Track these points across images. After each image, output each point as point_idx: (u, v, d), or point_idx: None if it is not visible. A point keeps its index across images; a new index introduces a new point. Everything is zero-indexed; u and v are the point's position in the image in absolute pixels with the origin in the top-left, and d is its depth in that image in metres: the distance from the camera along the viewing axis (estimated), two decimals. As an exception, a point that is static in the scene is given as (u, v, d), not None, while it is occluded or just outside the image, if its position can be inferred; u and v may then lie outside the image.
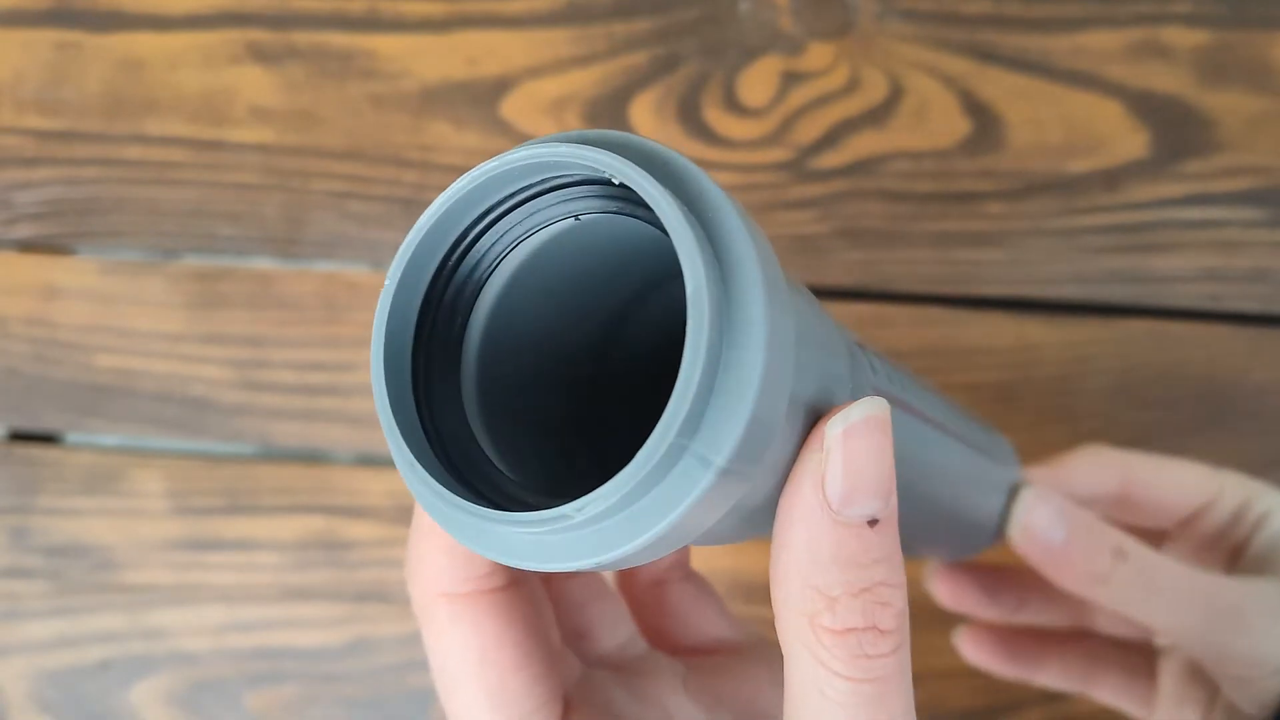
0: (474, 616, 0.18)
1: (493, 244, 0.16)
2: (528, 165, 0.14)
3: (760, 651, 0.25)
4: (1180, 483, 0.30)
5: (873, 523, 0.15)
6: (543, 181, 0.15)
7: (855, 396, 0.17)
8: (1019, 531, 0.27)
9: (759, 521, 0.16)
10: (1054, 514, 0.26)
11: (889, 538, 0.16)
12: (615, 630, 0.23)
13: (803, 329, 0.15)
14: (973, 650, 0.34)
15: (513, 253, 0.16)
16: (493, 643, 0.18)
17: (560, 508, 0.13)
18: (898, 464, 0.16)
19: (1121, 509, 0.31)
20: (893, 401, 0.18)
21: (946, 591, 0.34)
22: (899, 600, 0.16)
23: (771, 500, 0.16)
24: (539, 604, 0.20)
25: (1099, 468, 0.30)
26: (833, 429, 0.15)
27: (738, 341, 0.13)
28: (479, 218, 0.16)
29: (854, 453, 0.15)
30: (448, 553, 0.18)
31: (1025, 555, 0.27)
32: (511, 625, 0.18)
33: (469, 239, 0.16)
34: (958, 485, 0.25)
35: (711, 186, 0.14)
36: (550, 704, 0.19)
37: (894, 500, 0.16)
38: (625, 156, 0.14)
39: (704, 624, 0.24)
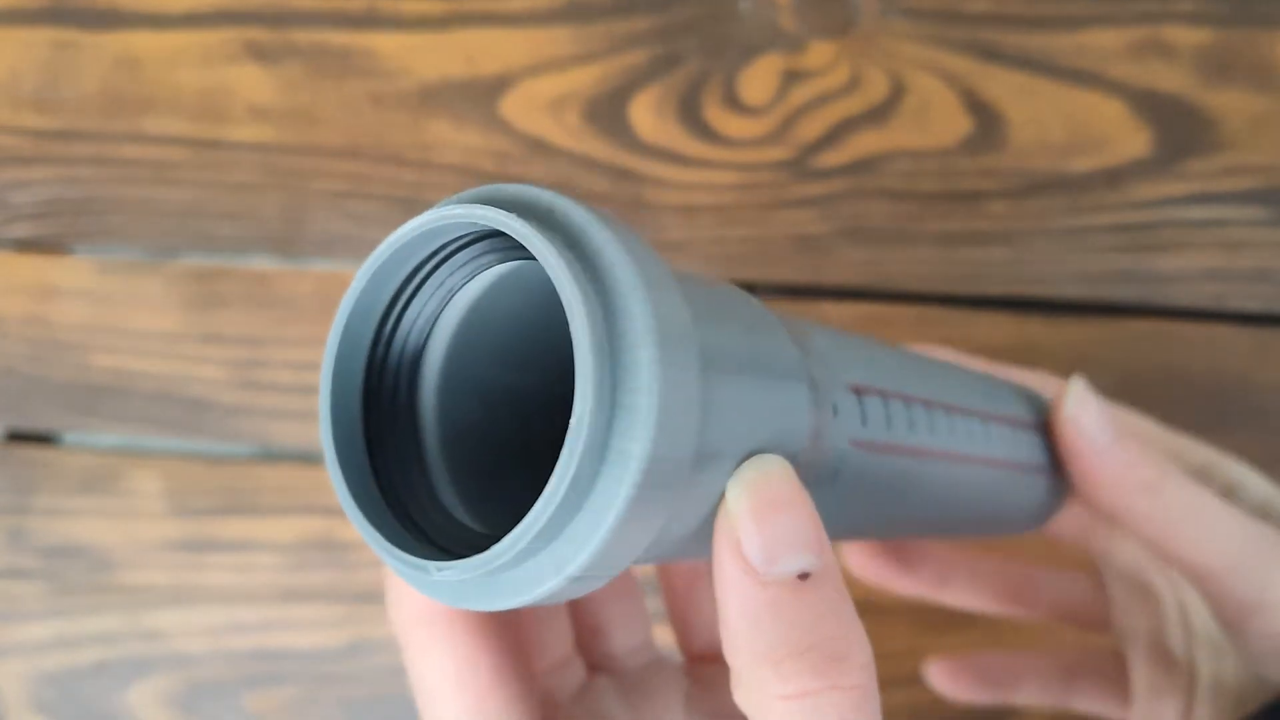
0: (449, 639, 0.19)
1: (423, 306, 0.16)
2: (426, 232, 0.15)
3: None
4: (1131, 428, 0.29)
5: (805, 576, 0.15)
6: (453, 241, 0.16)
7: (818, 442, 0.16)
8: (1069, 424, 0.25)
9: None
10: (1104, 412, 0.25)
11: (828, 587, 0.15)
12: (630, 632, 0.23)
13: (724, 387, 0.15)
14: (945, 682, 0.33)
15: (446, 312, 0.17)
16: (468, 664, 0.18)
17: (424, 562, 0.14)
18: (893, 502, 0.18)
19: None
20: (879, 449, 0.18)
21: (857, 561, 0.32)
22: (857, 651, 0.15)
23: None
24: (519, 626, 0.20)
25: (1042, 388, 0.29)
26: (731, 493, 0.15)
27: (620, 430, 0.13)
28: (403, 284, 0.16)
29: (761, 511, 0.15)
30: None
31: (1070, 450, 0.25)
32: (487, 647, 0.19)
33: (398, 305, 0.16)
34: (980, 504, 0.24)
35: (608, 240, 0.14)
36: None
37: (827, 551, 0.15)
38: (516, 210, 0.14)
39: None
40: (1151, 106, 0.38)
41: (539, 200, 0.15)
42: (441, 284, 0.16)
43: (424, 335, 0.17)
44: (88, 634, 0.42)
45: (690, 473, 0.14)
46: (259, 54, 0.41)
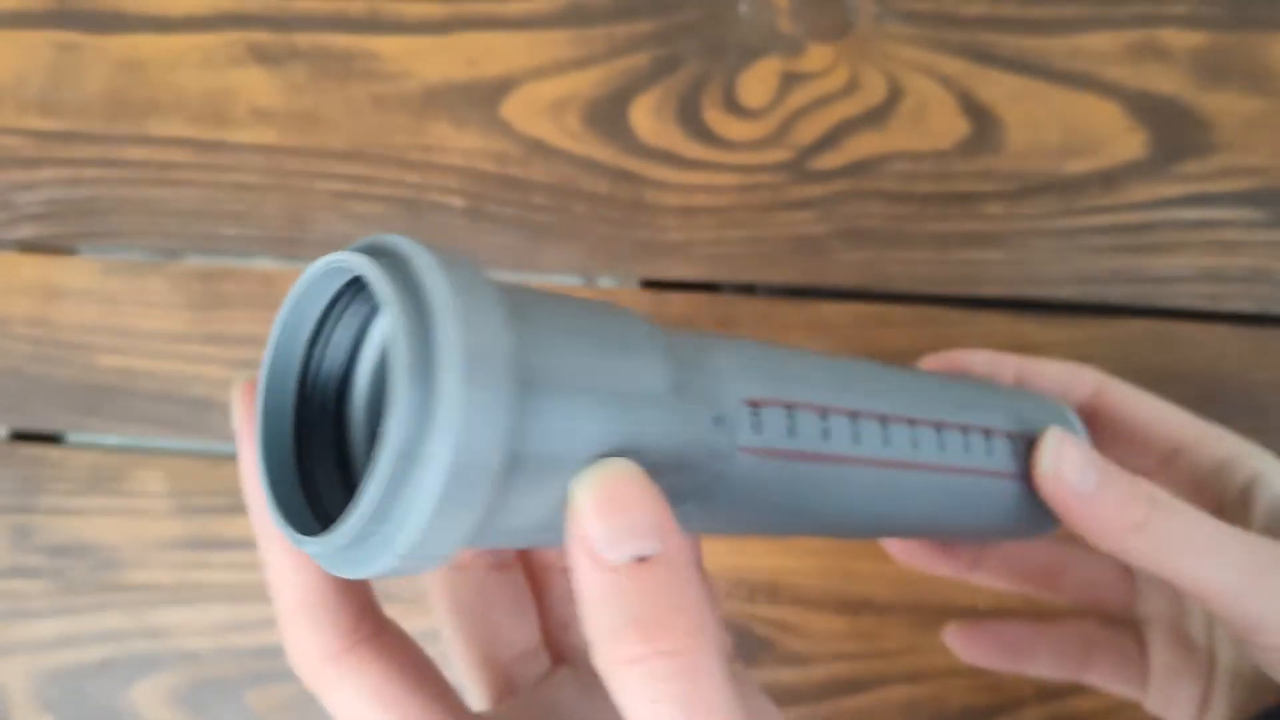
0: (357, 667, 0.20)
1: (340, 335, 0.19)
2: (313, 276, 0.18)
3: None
4: (1158, 415, 0.29)
5: (644, 560, 0.17)
6: (351, 282, 0.18)
7: (688, 448, 0.19)
8: (1048, 477, 0.25)
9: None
10: (1084, 458, 0.25)
11: (663, 569, 0.17)
12: (526, 633, 0.25)
13: (549, 403, 0.17)
14: (963, 646, 0.34)
15: (363, 346, 0.19)
16: (383, 683, 0.20)
17: (299, 536, 0.17)
18: (814, 502, 0.21)
19: (1092, 429, 0.30)
20: (780, 456, 0.20)
21: (897, 548, 0.34)
22: (682, 621, 0.17)
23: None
24: (487, 621, 0.23)
25: (1073, 376, 0.29)
26: (575, 489, 0.17)
27: (431, 438, 0.16)
28: (322, 316, 0.19)
29: (599, 504, 0.17)
30: (310, 620, 0.20)
31: (1053, 501, 0.25)
32: (395, 664, 0.20)
33: (321, 334, 0.19)
34: (944, 510, 0.25)
35: (438, 280, 0.16)
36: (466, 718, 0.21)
37: (671, 538, 0.17)
38: (385, 255, 0.17)
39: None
40: (1147, 109, 0.39)
41: (399, 248, 0.17)
42: (354, 315, 0.19)
43: (344, 361, 0.19)
44: (92, 632, 0.42)
45: (505, 475, 0.16)
46: (262, 56, 0.41)
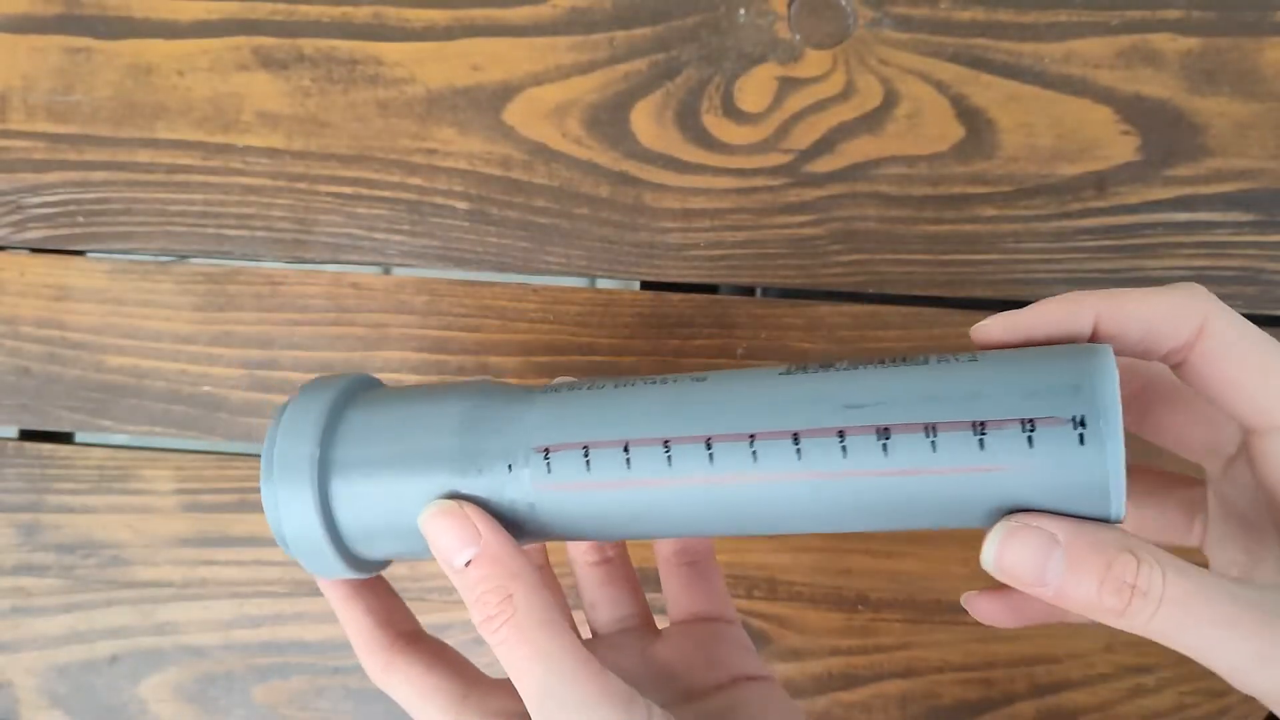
0: (401, 670, 0.28)
1: None
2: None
3: (720, 628, 0.32)
4: (1158, 305, 0.24)
5: (469, 562, 0.25)
6: None
7: (492, 489, 0.26)
8: (995, 571, 0.22)
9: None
10: (1039, 552, 0.21)
11: (482, 566, 0.25)
12: (616, 609, 0.33)
13: (347, 482, 0.27)
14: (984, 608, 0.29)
15: None
16: (420, 679, 0.28)
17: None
18: (633, 519, 0.25)
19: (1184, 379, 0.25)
20: (578, 487, 0.25)
21: (978, 609, 0.29)
22: (494, 597, 0.25)
23: None
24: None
25: (1068, 311, 0.24)
26: (420, 522, 0.26)
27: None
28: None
29: (429, 535, 0.25)
30: (362, 641, 0.29)
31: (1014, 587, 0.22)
32: (429, 664, 0.29)
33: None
34: (807, 513, 0.24)
35: (290, 404, 0.28)
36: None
37: (468, 550, 0.25)
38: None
39: (695, 599, 0.32)
40: (1139, 112, 0.39)
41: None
42: None
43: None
44: (101, 628, 0.42)
45: (326, 533, 0.27)
46: (268, 61, 0.41)
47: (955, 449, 0.22)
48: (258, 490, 0.42)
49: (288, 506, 0.26)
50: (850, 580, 0.40)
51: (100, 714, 0.42)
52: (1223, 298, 0.39)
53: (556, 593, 0.33)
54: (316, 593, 0.41)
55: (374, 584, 0.30)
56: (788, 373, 0.25)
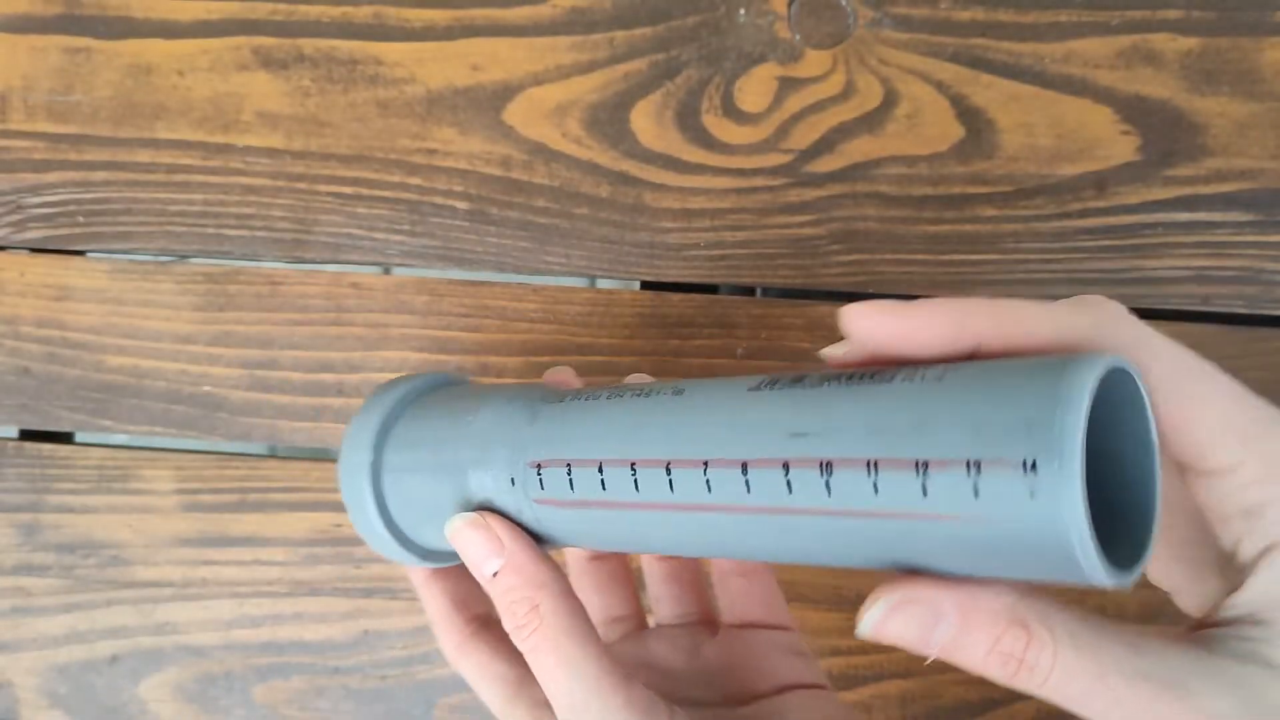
0: (470, 653, 0.30)
1: None
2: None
3: (774, 635, 0.32)
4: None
5: (496, 572, 0.26)
6: None
7: (501, 500, 0.26)
8: (873, 640, 0.21)
9: None
10: (924, 624, 0.20)
11: (508, 577, 0.26)
12: (677, 605, 0.33)
13: (392, 481, 0.29)
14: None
15: None
16: (486, 662, 0.30)
17: None
18: (623, 540, 0.25)
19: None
20: (566, 505, 0.25)
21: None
22: (522, 607, 0.26)
23: None
24: (599, 590, 0.33)
25: (941, 323, 0.21)
26: (448, 535, 0.27)
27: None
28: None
29: (458, 547, 0.27)
30: (439, 626, 0.30)
31: None
32: (494, 649, 0.30)
33: None
34: (762, 547, 0.22)
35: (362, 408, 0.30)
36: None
37: (494, 561, 0.26)
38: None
39: (748, 606, 0.32)
40: (1139, 112, 0.39)
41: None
42: None
43: None
44: (101, 628, 0.42)
45: (386, 528, 0.29)
46: (268, 61, 0.41)
47: (897, 491, 0.19)
48: (257, 490, 0.42)
49: (354, 504, 0.29)
50: (850, 580, 0.40)
51: (100, 714, 0.42)
52: (1223, 298, 0.39)
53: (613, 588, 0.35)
54: (316, 593, 0.42)
55: (453, 570, 0.31)
56: (755, 389, 0.22)
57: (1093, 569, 0.17)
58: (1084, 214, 0.39)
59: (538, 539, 0.26)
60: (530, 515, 0.26)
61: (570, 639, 0.25)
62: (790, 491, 0.20)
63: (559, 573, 0.26)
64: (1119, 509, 0.20)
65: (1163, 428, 0.21)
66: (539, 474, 0.25)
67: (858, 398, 0.20)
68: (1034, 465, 0.17)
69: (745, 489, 0.21)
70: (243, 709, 0.42)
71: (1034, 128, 0.39)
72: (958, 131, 0.39)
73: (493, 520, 0.26)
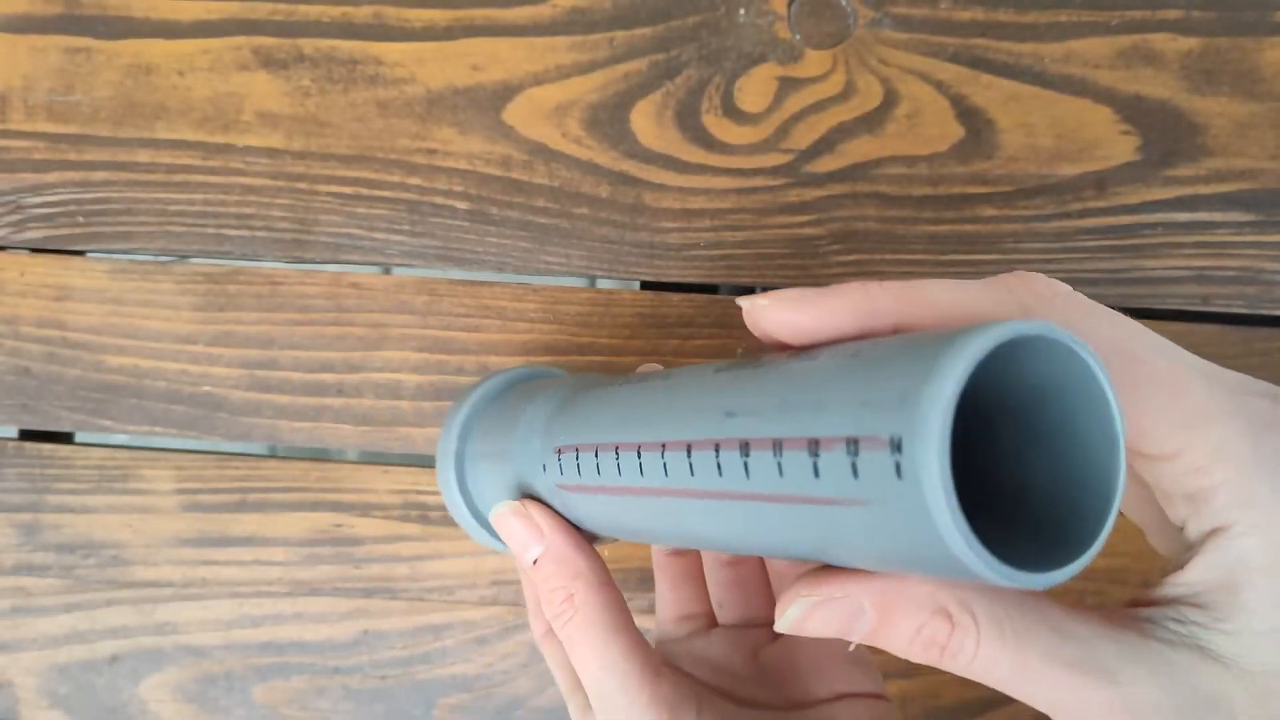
0: (553, 642, 0.31)
1: None
2: None
3: (835, 641, 0.31)
4: (947, 303, 0.21)
5: (536, 560, 0.27)
6: None
7: (541, 487, 0.27)
8: (794, 634, 0.21)
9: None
10: (845, 619, 0.20)
11: (546, 565, 0.26)
12: (743, 610, 0.33)
13: (469, 469, 0.31)
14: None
15: None
16: (559, 648, 0.31)
17: None
18: (632, 528, 0.24)
19: None
20: (576, 490, 0.25)
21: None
22: (558, 596, 0.26)
23: None
24: (669, 587, 0.34)
25: (847, 311, 0.20)
26: (491, 522, 0.28)
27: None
28: None
29: (501, 535, 0.27)
30: (532, 613, 0.32)
31: None
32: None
33: None
34: (741, 535, 0.21)
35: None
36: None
37: (546, 541, 0.26)
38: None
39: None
40: (1139, 112, 0.39)
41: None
42: None
43: None
44: (100, 628, 0.42)
45: (470, 515, 0.32)
46: (268, 61, 0.41)
47: (796, 473, 0.18)
48: (257, 490, 0.42)
49: (443, 488, 0.31)
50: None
51: (100, 714, 0.42)
52: (1223, 298, 0.39)
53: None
54: (316, 593, 0.42)
55: None
56: (718, 370, 0.21)
57: (971, 560, 0.15)
58: (1084, 214, 0.39)
59: (576, 528, 0.27)
60: (558, 502, 0.26)
61: (602, 630, 0.26)
62: (720, 474, 0.19)
63: (597, 562, 0.27)
64: (1069, 500, 0.18)
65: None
66: (559, 459, 0.26)
67: (782, 376, 0.19)
68: (899, 442, 0.15)
69: (690, 471, 0.20)
70: (243, 709, 0.42)
71: (1034, 128, 0.39)
72: (958, 131, 0.39)
73: (534, 508, 0.27)
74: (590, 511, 0.26)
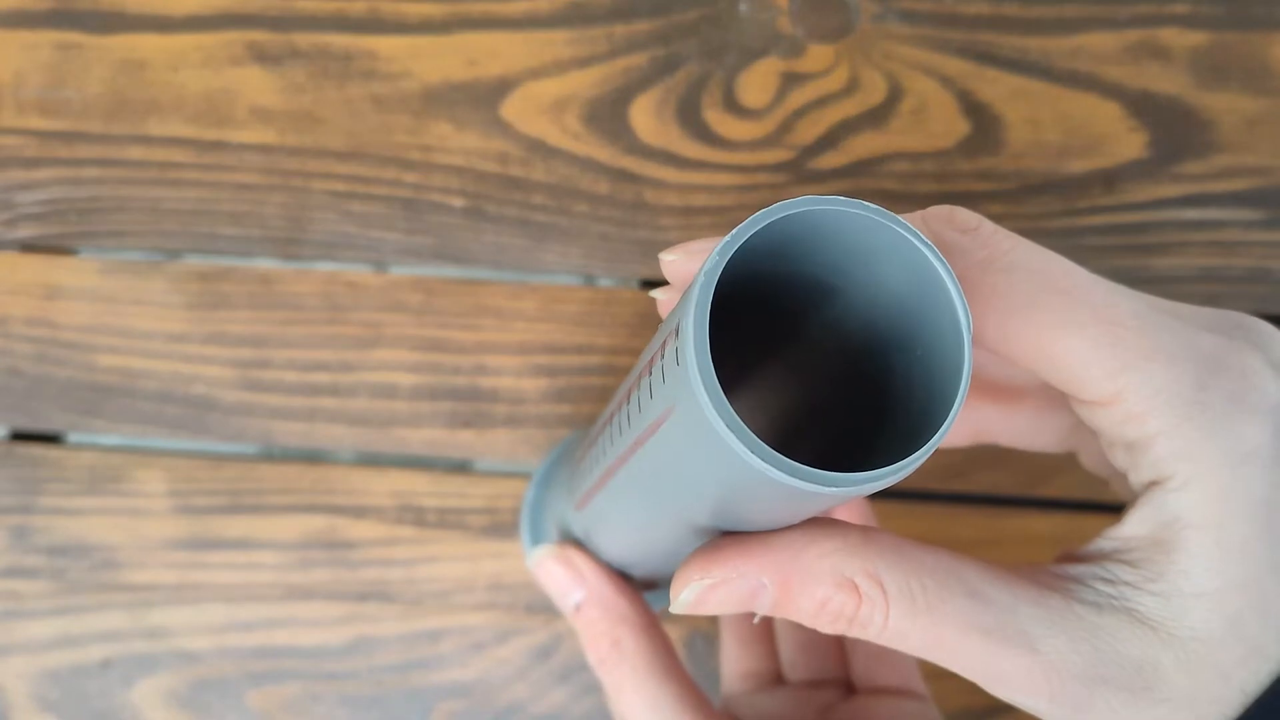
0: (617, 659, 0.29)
1: None
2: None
3: (905, 703, 0.31)
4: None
5: (578, 607, 0.26)
6: None
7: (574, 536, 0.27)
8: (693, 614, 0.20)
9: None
10: (746, 597, 0.19)
11: (590, 610, 0.26)
12: (814, 671, 0.32)
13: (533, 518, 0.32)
14: None
15: None
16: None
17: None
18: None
19: None
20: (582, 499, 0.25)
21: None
22: (604, 641, 0.25)
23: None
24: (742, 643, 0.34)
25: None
26: (530, 567, 0.28)
27: None
28: None
29: (540, 581, 0.27)
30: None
31: None
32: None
33: None
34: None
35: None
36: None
37: (575, 595, 0.26)
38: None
39: (880, 671, 0.32)
40: (1147, 108, 0.39)
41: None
42: None
43: None
44: (92, 632, 0.42)
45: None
46: (262, 56, 0.41)
47: (643, 400, 0.16)
48: (250, 492, 0.41)
49: (522, 535, 0.32)
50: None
51: (92, 719, 0.42)
52: (1231, 296, 0.39)
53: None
54: (310, 597, 0.41)
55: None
56: None
57: (747, 455, 0.14)
58: (1091, 211, 0.39)
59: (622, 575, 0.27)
60: (591, 548, 0.26)
61: (649, 677, 0.25)
62: (621, 431, 0.18)
63: (641, 606, 0.26)
64: (934, 413, 0.16)
65: (1029, 358, 0.18)
66: (581, 512, 0.25)
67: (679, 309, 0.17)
68: (678, 327, 0.15)
69: (618, 431, 0.18)
70: (236, 715, 0.41)
71: (1041, 123, 0.39)
72: (964, 127, 0.39)
73: (574, 553, 0.26)
74: (608, 551, 0.25)
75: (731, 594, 0.19)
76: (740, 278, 0.16)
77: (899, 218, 0.16)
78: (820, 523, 0.19)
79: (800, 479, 0.14)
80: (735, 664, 0.33)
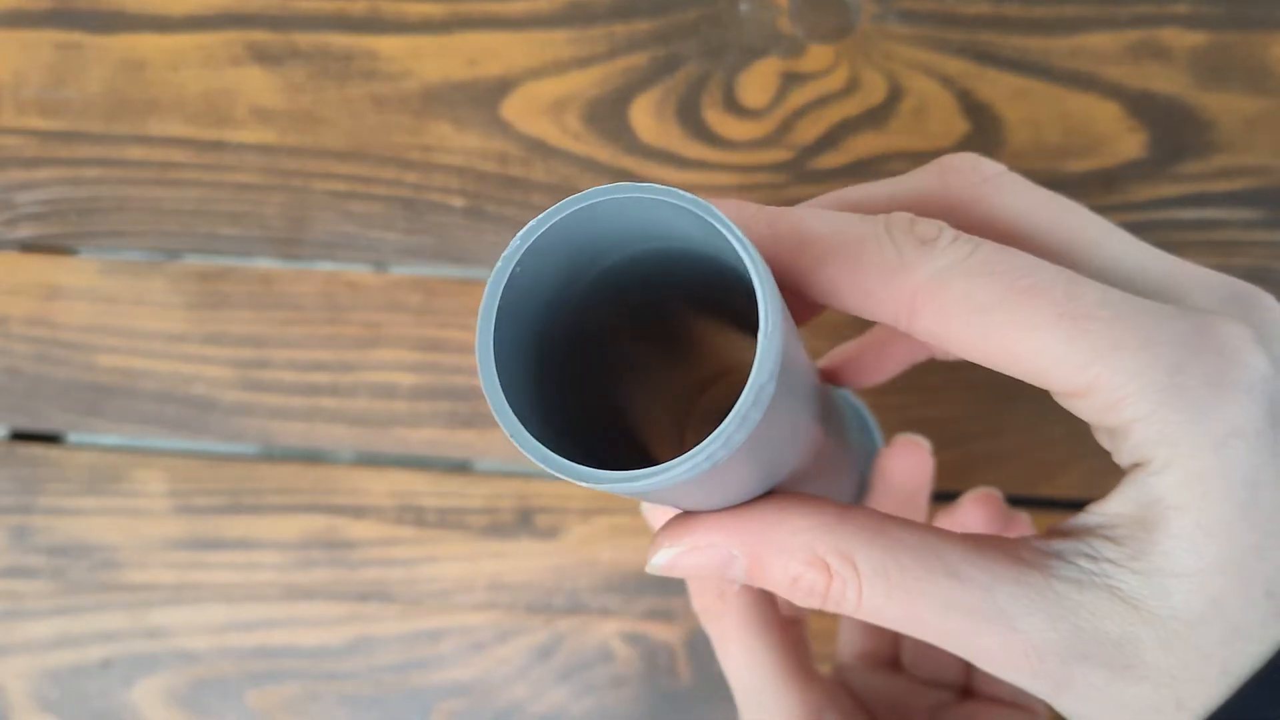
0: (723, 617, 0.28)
1: None
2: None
3: (1015, 715, 0.30)
4: (872, 200, 0.21)
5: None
6: None
7: None
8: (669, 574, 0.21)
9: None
10: (718, 565, 0.20)
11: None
12: (938, 669, 0.31)
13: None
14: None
15: None
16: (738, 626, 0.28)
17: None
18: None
19: None
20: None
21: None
22: (710, 591, 0.25)
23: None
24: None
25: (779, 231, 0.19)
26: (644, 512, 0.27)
27: None
28: None
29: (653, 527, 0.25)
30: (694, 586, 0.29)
31: None
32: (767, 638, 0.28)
33: None
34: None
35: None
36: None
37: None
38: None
39: (995, 684, 0.31)
40: (1147, 108, 0.39)
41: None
42: None
43: None
44: (92, 632, 0.42)
45: None
46: (262, 56, 0.41)
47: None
48: (250, 492, 0.41)
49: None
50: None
51: (92, 719, 0.42)
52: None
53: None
54: (310, 597, 0.41)
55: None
56: None
57: (531, 448, 0.15)
58: (1092, 211, 0.39)
59: None
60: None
61: (751, 631, 0.25)
62: None
63: None
64: None
65: (997, 361, 0.18)
66: None
67: None
68: None
69: None
70: (236, 715, 0.41)
71: (1041, 123, 0.39)
72: (963, 127, 0.39)
73: (681, 520, 0.26)
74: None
75: (702, 561, 0.19)
76: (646, 282, 0.17)
77: (681, 193, 0.15)
78: (798, 498, 0.19)
79: (567, 473, 0.15)
80: (852, 646, 0.32)
